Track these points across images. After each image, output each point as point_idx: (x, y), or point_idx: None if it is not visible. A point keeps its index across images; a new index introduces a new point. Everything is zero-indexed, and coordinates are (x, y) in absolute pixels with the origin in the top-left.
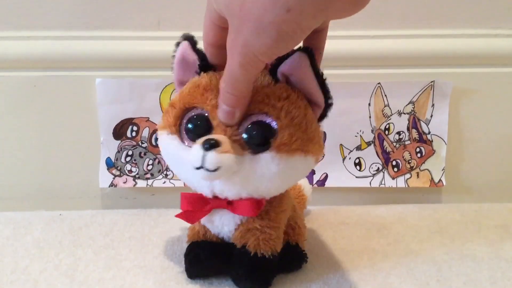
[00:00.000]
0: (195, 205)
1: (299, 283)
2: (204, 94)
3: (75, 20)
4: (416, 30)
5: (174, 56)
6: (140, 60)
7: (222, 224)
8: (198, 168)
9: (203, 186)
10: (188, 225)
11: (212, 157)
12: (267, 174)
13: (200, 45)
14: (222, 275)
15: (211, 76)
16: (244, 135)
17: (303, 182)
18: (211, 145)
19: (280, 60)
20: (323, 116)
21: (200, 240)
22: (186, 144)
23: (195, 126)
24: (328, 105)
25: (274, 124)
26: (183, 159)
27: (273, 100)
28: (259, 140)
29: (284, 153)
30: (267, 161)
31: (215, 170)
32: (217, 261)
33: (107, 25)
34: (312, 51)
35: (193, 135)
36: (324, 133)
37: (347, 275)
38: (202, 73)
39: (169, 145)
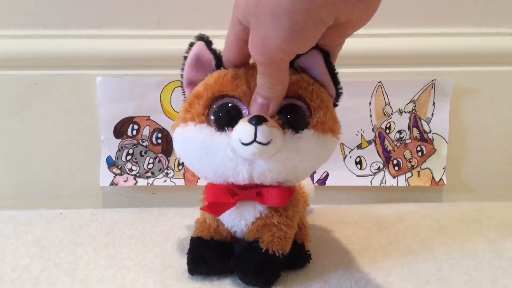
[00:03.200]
0: (222, 197)
1: (299, 282)
2: (233, 82)
3: (76, 19)
4: (417, 29)
5: (185, 56)
6: (141, 59)
7: (240, 217)
8: (248, 144)
9: (241, 171)
10: (188, 223)
11: (265, 129)
12: (307, 151)
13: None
14: (223, 274)
15: (234, 68)
16: (280, 114)
17: (305, 180)
18: (260, 119)
19: (297, 55)
20: (334, 105)
21: (206, 239)
22: (218, 130)
23: (228, 113)
24: (338, 95)
25: (307, 106)
26: (217, 145)
27: (304, 84)
28: (294, 118)
29: (320, 131)
30: (308, 138)
31: (267, 143)
32: (220, 262)
33: (108, 24)
34: (327, 52)
35: (225, 122)
36: None
37: (347, 274)
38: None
39: (199, 134)
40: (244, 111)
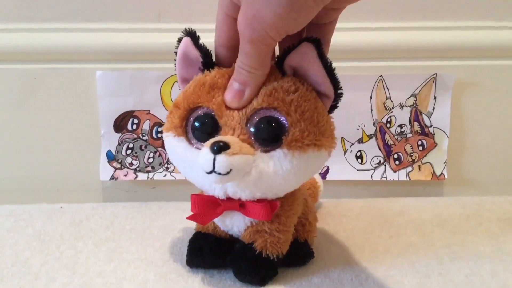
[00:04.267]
0: (206, 208)
1: (300, 276)
2: (210, 92)
3: (75, 12)
4: (418, 22)
5: (176, 52)
6: (141, 53)
7: (232, 224)
8: (209, 173)
9: (216, 188)
10: (188, 220)
11: (223, 160)
12: (281, 172)
13: (202, 41)
14: (222, 268)
15: (216, 73)
16: (252, 129)
17: (316, 175)
18: (220, 148)
19: (286, 52)
20: (333, 107)
21: (207, 232)
22: (195, 146)
23: (202, 126)
24: (338, 96)
25: (283, 120)
26: (192, 162)
27: (281, 94)
28: (267, 134)
29: (296, 150)
30: (280, 158)
31: (227, 173)
32: (219, 257)
33: (108, 17)
34: (319, 40)
35: (200, 135)
36: None
37: (348, 268)
38: (205, 70)
39: (177, 148)
40: (222, 121)
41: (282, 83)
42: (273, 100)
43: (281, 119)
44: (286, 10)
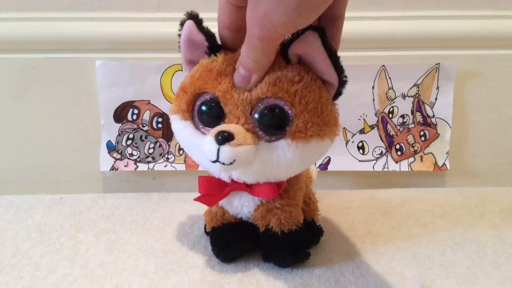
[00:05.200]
0: (214, 189)
1: (301, 268)
2: (216, 79)
3: (75, 2)
4: (421, 11)
5: (179, 35)
6: (141, 42)
7: (242, 206)
8: (213, 162)
9: (221, 172)
10: (189, 207)
11: (227, 151)
12: (284, 161)
13: (205, 24)
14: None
15: (224, 59)
16: (256, 115)
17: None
18: (224, 138)
19: (291, 40)
20: (338, 93)
21: (222, 224)
22: (202, 130)
23: (208, 111)
24: (342, 83)
25: (288, 110)
26: (198, 146)
27: (286, 84)
28: (271, 122)
29: (300, 140)
30: (283, 148)
31: (230, 163)
32: (246, 242)
33: (107, 6)
34: (324, 29)
35: (207, 120)
36: None
37: (349, 259)
38: (212, 55)
39: (183, 131)
40: (227, 108)
41: (287, 73)
42: (277, 90)
43: (286, 109)
44: (296, 10)
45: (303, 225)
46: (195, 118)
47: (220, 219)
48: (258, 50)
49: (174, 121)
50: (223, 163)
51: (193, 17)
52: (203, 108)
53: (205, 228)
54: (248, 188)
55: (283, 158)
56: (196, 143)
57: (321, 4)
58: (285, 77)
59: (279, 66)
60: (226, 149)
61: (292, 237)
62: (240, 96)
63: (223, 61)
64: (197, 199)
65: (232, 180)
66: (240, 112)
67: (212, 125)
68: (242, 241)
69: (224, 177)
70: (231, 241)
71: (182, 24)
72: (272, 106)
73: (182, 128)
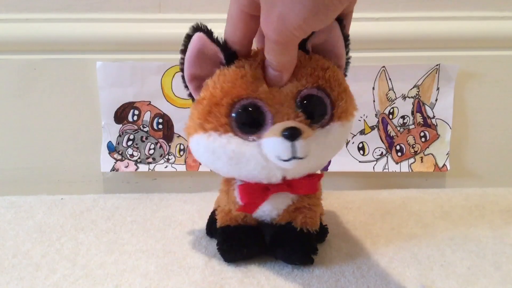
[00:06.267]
0: (257, 196)
1: (301, 268)
2: (253, 83)
3: (76, 2)
4: (421, 12)
5: (183, 49)
6: (141, 43)
7: (273, 208)
8: (287, 160)
9: (275, 175)
10: (189, 208)
11: (303, 145)
12: (335, 144)
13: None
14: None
15: (250, 64)
16: (303, 109)
17: None
18: (294, 134)
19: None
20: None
21: (234, 226)
22: (249, 139)
23: (251, 118)
24: (346, 65)
25: (326, 96)
26: (247, 156)
27: (320, 72)
28: (317, 109)
29: (345, 120)
30: (335, 130)
31: (305, 157)
32: (255, 245)
33: (108, 7)
34: (341, 19)
35: (250, 128)
36: None
37: (350, 260)
38: (231, 64)
39: (227, 145)
40: (267, 113)
41: (317, 62)
42: (316, 79)
43: (324, 95)
44: (311, 12)
45: (317, 229)
46: (234, 130)
47: (241, 221)
48: (278, 53)
49: (210, 139)
50: (300, 158)
51: (203, 29)
52: (245, 115)
53: (206, 229)
54: (289, 188)
55: (336, 140)
56: (245, 153)
57: (337, 6)
58: (317, 66)
59: (304, 56)
60: (302, 143)
61: (308, 238)
62: (281, 94)
63: (251, 66)
64: (240, 210)
65: (274, 184)
66: (286, 108)
67: (254, 131)
68: (252, 246)
69: (278, 177)
70: (240, 245)
71: (188, 37)
72: (315, 96)
73: (224, 143)
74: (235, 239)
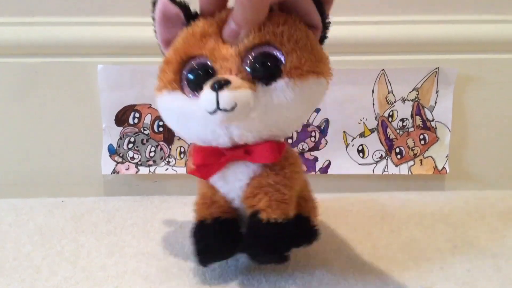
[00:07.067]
0: (210, 158)
1: (301, 270)
2: (201, 40)
3: (76, 6)
4: (420, 16)
5: (153, 17)
6: (142, 46)
7: (235, 178)
8: (213, 113)
9: (220, 135)
10: (190, 210)
11: (226, 95)
12: (285, 102)
13: None
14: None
15: (204, 23)
16: (248, 68)
17: None
18: (221, 84)
19: None
20: (323, 38)
21: (208, 223)
22: (191, 96)
23: (197, 75)
24: (325, 26)
25: (278, 52)
26: (192, 112)
27: (271, 27)
28: (264, 70)
29: (297, 77)
30: (282, 88)
31: (232, 109)
32: (227, 246)
33: (109, 11)
34: None
35: (196, 85)
36: (327, 120)
37: (350, 262)
38: (190, 22)
39: (173, 102)
40: (213, 70)
41: (270, 17)
42: (264, 34)
43: (276, 52)
44: None
45: (292, 221)
46: (184, 88)
47: (209, 202)
48: (247, 8)
49: (162, 98)
50: (225, 110)
51: None
52: (191, 74)
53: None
54: (247, 155)
55: (283, 99)
56: (189, 109)
57: None
58: (269, 21)
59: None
60: (225, 93)
61: (276, 230)
62: (228, 50)
63: (204, 24)
64: (191, 172)
65: (231, 147)
66: (230, 63)
67: (199, 88)
68: (225, 248)
69: (224, 139)
70: (212, 247)
71: (154, 4)
72: (262, 55)
73: (172, 100)
74: (206, 242)
